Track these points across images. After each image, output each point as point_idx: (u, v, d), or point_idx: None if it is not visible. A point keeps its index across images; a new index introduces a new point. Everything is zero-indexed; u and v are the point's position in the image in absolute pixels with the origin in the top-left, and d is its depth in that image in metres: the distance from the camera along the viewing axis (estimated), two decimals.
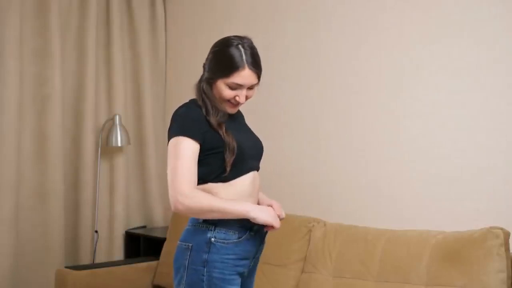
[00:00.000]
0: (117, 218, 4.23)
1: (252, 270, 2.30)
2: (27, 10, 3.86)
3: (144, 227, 4.39)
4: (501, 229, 2.59)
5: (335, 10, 3.47)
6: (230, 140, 2.14)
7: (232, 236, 2.14)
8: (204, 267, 2.11)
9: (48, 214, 3.90)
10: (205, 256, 2.12)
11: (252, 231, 2.18)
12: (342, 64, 3.44)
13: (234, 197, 2.17)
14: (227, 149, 2.13)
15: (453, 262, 2.62)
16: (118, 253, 4.25)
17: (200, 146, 2.13)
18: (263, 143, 2.38)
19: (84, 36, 4.12)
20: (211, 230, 2.13)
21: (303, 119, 3.61)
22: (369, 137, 3.32)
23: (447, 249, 2.67)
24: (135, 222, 4.38)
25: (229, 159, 2.13)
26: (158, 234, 4.11)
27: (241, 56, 2.14)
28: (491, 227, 2.60)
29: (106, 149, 4.21)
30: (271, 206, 2.28)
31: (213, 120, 2.16)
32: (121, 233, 4.26)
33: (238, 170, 2.18)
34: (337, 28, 3.46)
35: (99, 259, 4.12)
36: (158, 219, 4.40)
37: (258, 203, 2.32)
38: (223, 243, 2.13)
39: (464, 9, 2.95)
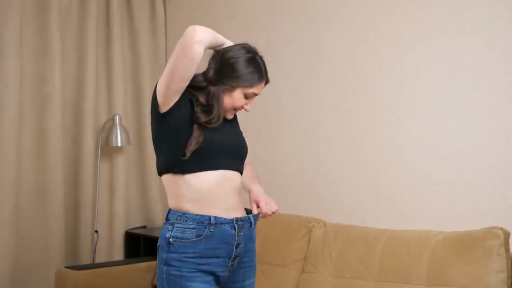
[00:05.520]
0: (117, 218, 4.23)
1: (242, 275, 2.28)
2: (27, 10, 3.86)
3: (144, 227, 4.39)
4: (501, 229, 2.59)
5: (335, 10, 3.47)
6: (198, 134, 2.13)
7: (190, 235, 2.15)
8: (164, 265, 2.17)
9: (48, 214, 3.90)
10: (165, 255, 2.17)
11: (212, 229, 2.16)
12: (342, 64, 3.44)
13: (193, 195, 2.15)
14: (192, 138, 2.13)
15: (453, 262, 2.62)
16: (118, 253, 4.25)
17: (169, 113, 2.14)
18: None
19: (84, 36, 4.12)
20: (170, 230, 2.18)
21: (303, 119, 3.61)
22: (369, 137, 3.32)
23: (447, 249, 2.67)
24: (135, 222, 4.38)
25: (191, 146, 2.12)
26: (158, 234, 4.07)
27: (262, 68, 2.20)
28: (491, 227, 2.60)
29: (106, 149, 4.21)
30: (258, 204, 2.25)
31: (209, 118, 2.15)
32: (121, 233, 4.26)
33: (203, 163, 2.16)
34: (337, 28, 3.46)
35: (99, 259, 4.12)
36: (158, 219, 4.40)
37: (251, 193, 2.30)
38: (181, 242, 2.15)
39: (464, 9, 2.95)
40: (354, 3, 3.38)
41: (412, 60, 3.14)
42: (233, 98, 2.19)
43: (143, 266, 3.78)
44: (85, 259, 4.09)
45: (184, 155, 2.13)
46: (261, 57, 2.23)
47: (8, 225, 3.69)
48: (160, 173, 2.25)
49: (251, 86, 2.18)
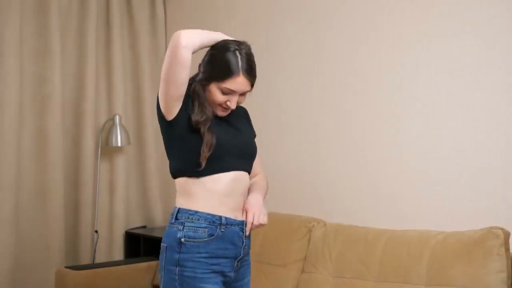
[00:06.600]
0: (117, 218, 4.23)
1: (243, 273, 2.29)
2: (27, 10, 3.87)
3: (144, 227, 4.39)
4: (501, 229, 2.59)
5: (335, 10, 3.47)
6: (209, 137, 2.12)
7: (202, 234, 2.14)
8: (176, 266, 2.13)
9: (48, 214, 3.90)
10: (176, 255, 2.13)
11: (222, 229, 2.16)
12: (342, 64, 3.44)
13: (205, 194, 2.15)
14: (204, 144, 2.12)
15: (453, 262, 2.62)
16: (118, 253, 4.25)
17: (174, 121, 2.14)
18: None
19: (84, 36, 4.12)
20: (180, 230, 2.15)
21: (303, 119, 3.61)
22: (369, 137, 3.32)
23: (447, 249, 2.67)
24: (135, 222, 4.38)
25: (205, 153, 2.11)
26: (158, 234, 4.10)
27: (237, 62, 2.11)
28: (491, 227, 2.60)
29: (106, 149, 4.21)
30: (246, 213, 2.21)
31: (194, 118, 2.13)
32: (121, 233, 4.26)
33: (217, 165, 2.15)
34: (337, 28, 3.46)
35: (99, 259, 4.12)
36: (158, 219, 4.40)
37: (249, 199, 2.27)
38: (193, 242, 2.13)
39: (464, 9, 2.95)
40: (354, 3, 3.38)
41: (412, 60, 3.14)
42: (210, 92, 2.15)
43: (143, 266, 3.78)
44: (85, 259, 4.09)
45: (198, 164, 2.11)
46: (248, 54, 2.15)
47: (8, 225, 3.69)
48: (174, 176, 2.23)
49: (222, 80, 2.12)
